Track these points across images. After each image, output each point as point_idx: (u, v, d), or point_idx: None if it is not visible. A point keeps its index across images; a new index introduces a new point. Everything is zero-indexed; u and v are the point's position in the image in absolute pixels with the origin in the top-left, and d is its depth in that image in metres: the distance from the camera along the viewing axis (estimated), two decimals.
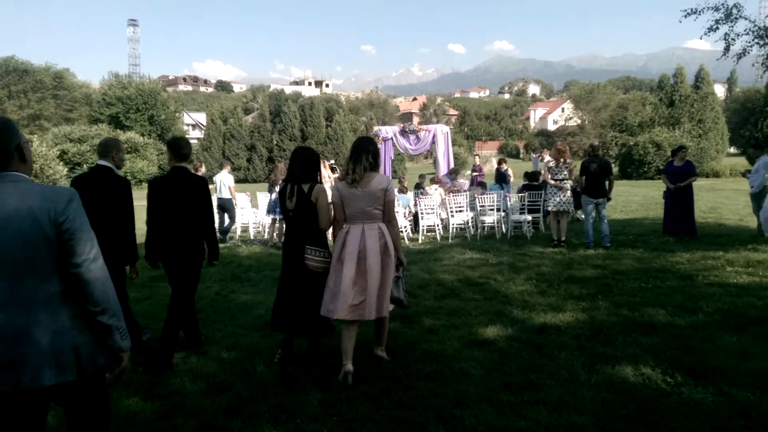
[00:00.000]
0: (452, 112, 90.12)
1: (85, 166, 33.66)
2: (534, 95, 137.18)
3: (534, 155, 19.57)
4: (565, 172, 9.67)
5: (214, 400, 3.94)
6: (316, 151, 4.80)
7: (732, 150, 44.44)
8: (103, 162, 4.77)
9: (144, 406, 3.86)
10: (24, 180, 2.21)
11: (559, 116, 72.51)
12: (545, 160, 14.02)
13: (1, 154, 2.18)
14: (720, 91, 51.27)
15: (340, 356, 4.28)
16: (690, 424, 3.43)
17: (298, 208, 4.45)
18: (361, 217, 4.29)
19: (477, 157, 20.64)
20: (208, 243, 4.90)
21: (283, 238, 4.75)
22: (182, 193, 4.71)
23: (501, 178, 14.73)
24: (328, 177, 12.46)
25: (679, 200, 10.14)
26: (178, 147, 4.86)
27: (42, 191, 2.18)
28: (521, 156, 66.71)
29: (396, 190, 6.41)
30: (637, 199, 18.12)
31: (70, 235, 2.16)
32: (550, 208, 9.82)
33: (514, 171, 18.28)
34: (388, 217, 4.36)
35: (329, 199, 4.48)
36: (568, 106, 67.21)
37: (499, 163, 17.16)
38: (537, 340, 5.05)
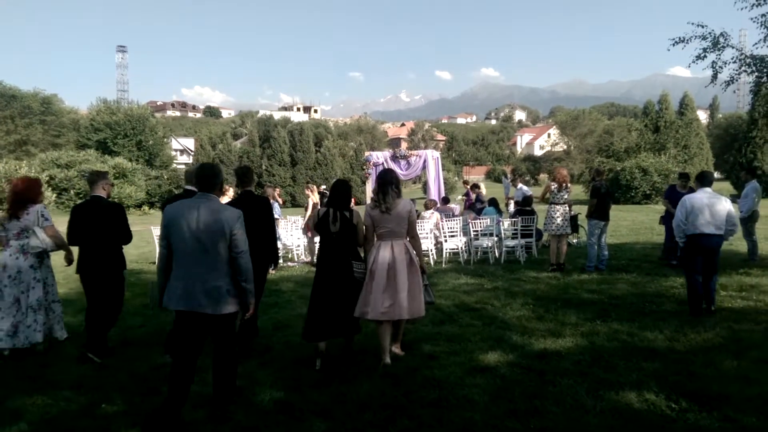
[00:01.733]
0: (440, 137, 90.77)
1: (72, 191, 33.34)
2: (520, 121, 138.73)
3: (505, 180, 19.64)
4: (566, 197, 9.80)
5: (216, 429, 3.87)
6: (350, 185, 5.70)
7: (716, 175, 45.05)
8: (189, 187, 5.79)
9: None
10: (216, 200, 4.06)
11: (546, 142, 73.18)
12: (520, 188, 14.25)
13: (212, 185, 4.08)
14: (702, 117, 52.11)
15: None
16: None
17: (342, 230, 5.21)
18: (389, 236, 5.16)
19: (467, 184, 20.76)
20: (270, 252, 5.99)
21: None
22: (249, 212, 5.32)
23: (492, 203, 14.74)
24: (313, 204, 12.44)
25: None
26: (240, 175, 6.17)
27: (226, 209, 4.03)
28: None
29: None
30: (626, 224, 18.25)
31: (236, 237, 3.97)
32: (551, 232, 9.87)
33: (501, 196, 18.36)
34: (412, 234, 5.27)
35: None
36: (554, 131, 67.90)
37: (473, 188, 16.82)
38: (538, 366, 5.02)
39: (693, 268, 6.71)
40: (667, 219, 10.24)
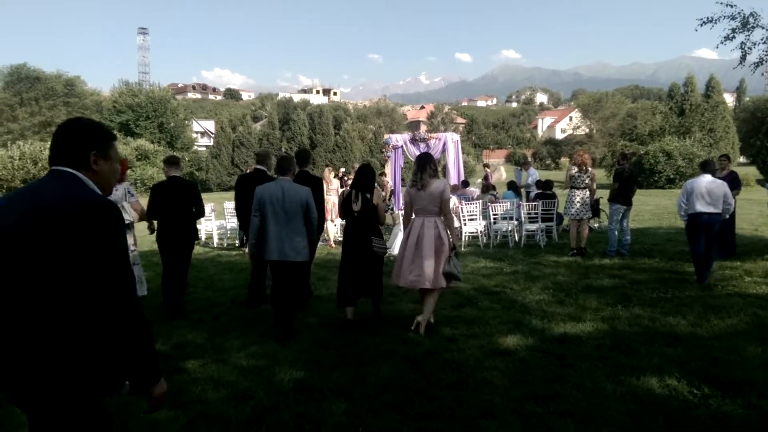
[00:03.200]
0: (460, 120, 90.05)
1: None
2: (542, 104, 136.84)
3: (516, 169, 19.56)
4: (587, 180, 9.70)
5: (237, 408, 3.92)
6: (373, 169, 6.29)
7: (742, 159, 44.09)
8: (260, 167, 7.04)
9: (167, 414, 3.83)
10: (291, 181, 5.65)
11: (567, 125, 72.08)
12: (531, 172, 14.14)
13: (287, 171, 5.66)
14: (729, 100, 50.82)
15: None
16: None
17: (362, 210, 5.87)
18: (423, 213, 5.68)
19: (487, 168, 20.57)
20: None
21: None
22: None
23: (511, 186, 14.62)
24: (335, 186, 12.45)
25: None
26: (300, 157, 7.03)
27: (301, 187, 5.59)
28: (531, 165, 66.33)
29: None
30: (649, 209, 18.01)
31: (310, 206, 5.55)
32: (571, 216, 9.78)
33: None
34: (445, 212, 5.69)
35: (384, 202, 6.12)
36: (576, 114, 66.84)
37: (485, 179, 16.99)
38: (558, 350, 5.00)
39: (695, 241, 7.67)
40: None
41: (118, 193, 6.85)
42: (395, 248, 6.70)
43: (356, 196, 5.87)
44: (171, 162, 6.92)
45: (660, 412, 3.72)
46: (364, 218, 5.89)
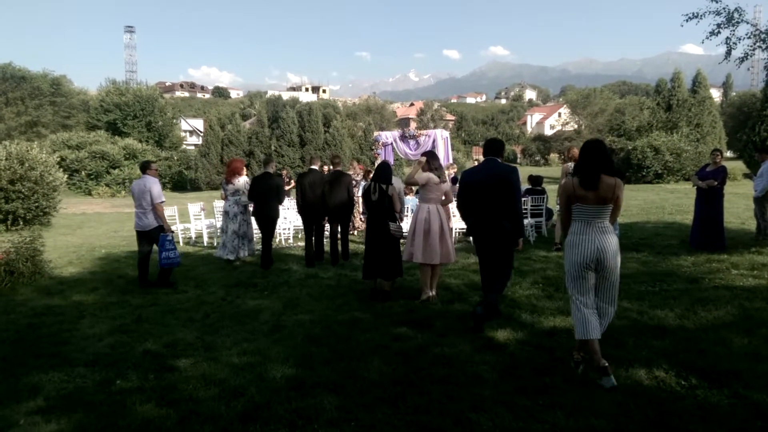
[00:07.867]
0: (449, 117, 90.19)
1: (83, 172, 33.52)
2: (530, 100, 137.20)
3: None
4: None
5: (229, 405, 3.92)
6: (389, 165, 7.56)
7: (729, 154, 44.42)
8: (314, 167, 9.66)
9: (159, 412, 3.83)
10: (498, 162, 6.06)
11: (556, 121, 72.40)
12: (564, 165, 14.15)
13: (499, 152, 5.94)
14: (715, 95, 51.18)
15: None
16: (708, 427, 3.44)
17: (379, 199, 6.96)
18: (433, 201, 6.88)
19: (476, 162, 20.65)
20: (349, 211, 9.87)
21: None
22: (336, 184, 9.45)
23: None
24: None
25: (709, 210, 9.35)
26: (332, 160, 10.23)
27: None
28: (518, 161, 66.71)
29: (402, 193, 8.68)
30: (636, 203, 18.15)
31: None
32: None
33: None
34: (449, 200, 7.18)
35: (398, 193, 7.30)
36: (564, 110, 67.16)
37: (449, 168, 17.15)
38: (548, 343, 5.05)
39: None
40: (698, 203, 9.61)
41: (239, 183, 9.40)
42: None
43: (375, 187, 6.97)
44: (266, 162, 9.56)
45: (649, 404, 3.77)
46: (381, 206, 6.94)
